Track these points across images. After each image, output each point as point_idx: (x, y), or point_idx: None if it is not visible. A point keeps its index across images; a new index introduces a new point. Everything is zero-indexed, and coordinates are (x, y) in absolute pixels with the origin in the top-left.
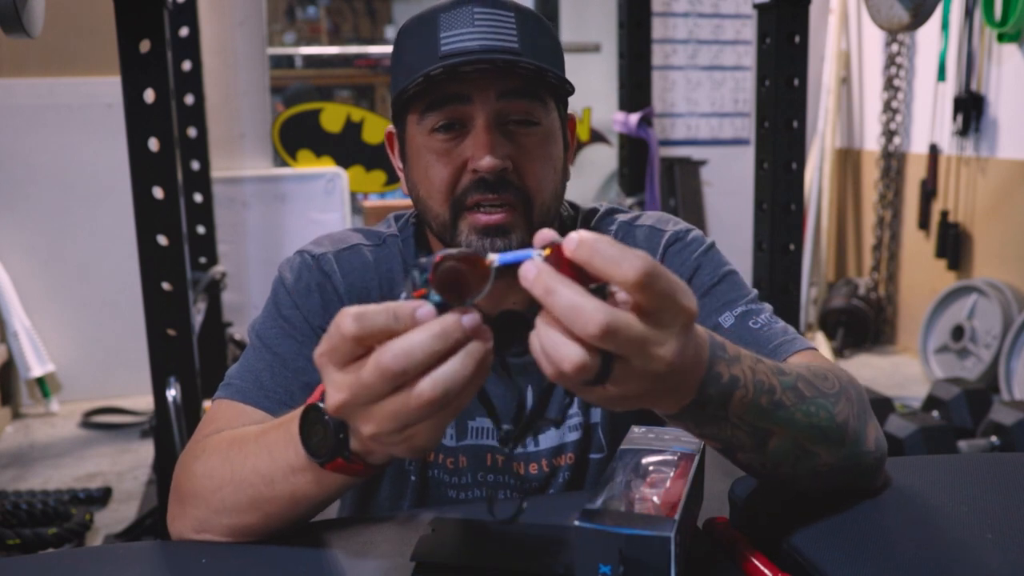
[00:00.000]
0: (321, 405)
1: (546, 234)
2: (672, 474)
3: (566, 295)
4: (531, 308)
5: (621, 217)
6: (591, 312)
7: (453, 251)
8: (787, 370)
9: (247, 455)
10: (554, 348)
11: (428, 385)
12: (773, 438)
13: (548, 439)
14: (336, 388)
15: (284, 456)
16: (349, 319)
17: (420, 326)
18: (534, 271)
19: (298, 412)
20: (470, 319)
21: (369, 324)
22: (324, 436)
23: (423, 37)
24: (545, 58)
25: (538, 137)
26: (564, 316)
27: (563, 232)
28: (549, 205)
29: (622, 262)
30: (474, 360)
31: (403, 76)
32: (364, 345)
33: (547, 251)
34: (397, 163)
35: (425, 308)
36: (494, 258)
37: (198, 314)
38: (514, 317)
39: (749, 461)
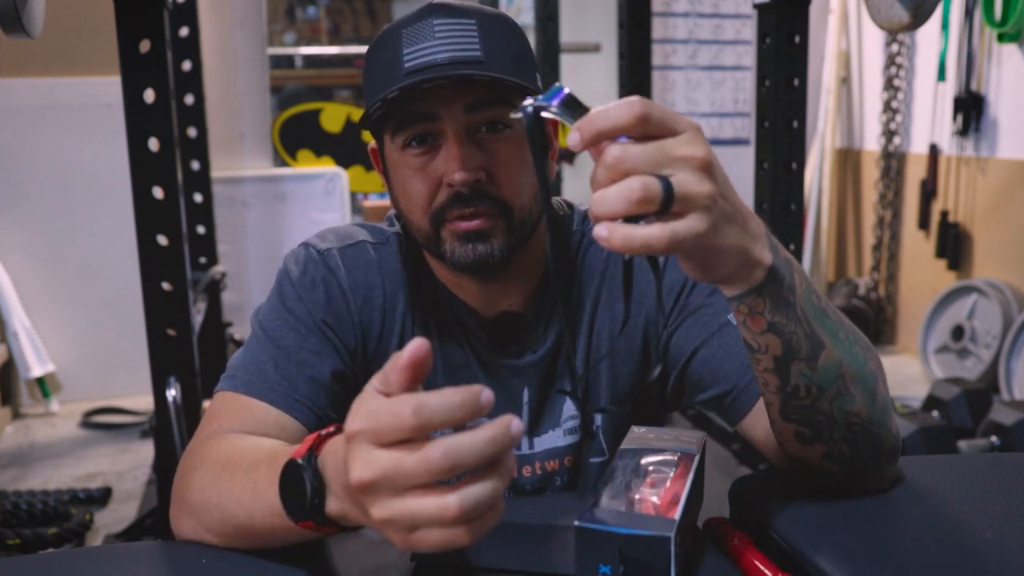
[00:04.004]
0: (300, 462)
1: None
2: (672, 474)
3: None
4: (527, 309)
5: None
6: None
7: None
8: (823, 296)
9: (234, 484)
10: (617, 190)
11: (456, 500)
12: (823, 353)
13: (544, 442)
14: (365, 465)
15: (265, 497)
16: (408, 409)
17: (473, 430)
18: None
19: (288, 452)
20: (516, 425)
21: (429, 415)
22: (300, 497)
23: (388, 54)
24: (509, 62)
25: (510, 142)
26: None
27: (557, 231)
28: (529, 209)
29: (614, 111)
30: (503, 483)
31: (371, 95)
32: (420, 433)
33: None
34: (382, 178)
35: (487, 392)
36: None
37: (198, 314)
38: (510, 318)
39: (798, 380)
